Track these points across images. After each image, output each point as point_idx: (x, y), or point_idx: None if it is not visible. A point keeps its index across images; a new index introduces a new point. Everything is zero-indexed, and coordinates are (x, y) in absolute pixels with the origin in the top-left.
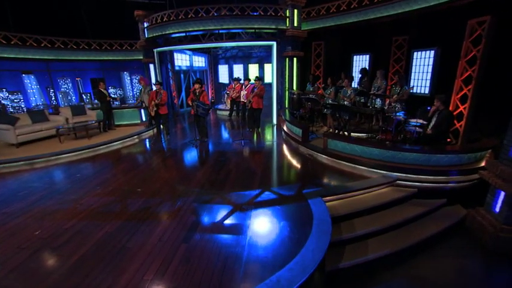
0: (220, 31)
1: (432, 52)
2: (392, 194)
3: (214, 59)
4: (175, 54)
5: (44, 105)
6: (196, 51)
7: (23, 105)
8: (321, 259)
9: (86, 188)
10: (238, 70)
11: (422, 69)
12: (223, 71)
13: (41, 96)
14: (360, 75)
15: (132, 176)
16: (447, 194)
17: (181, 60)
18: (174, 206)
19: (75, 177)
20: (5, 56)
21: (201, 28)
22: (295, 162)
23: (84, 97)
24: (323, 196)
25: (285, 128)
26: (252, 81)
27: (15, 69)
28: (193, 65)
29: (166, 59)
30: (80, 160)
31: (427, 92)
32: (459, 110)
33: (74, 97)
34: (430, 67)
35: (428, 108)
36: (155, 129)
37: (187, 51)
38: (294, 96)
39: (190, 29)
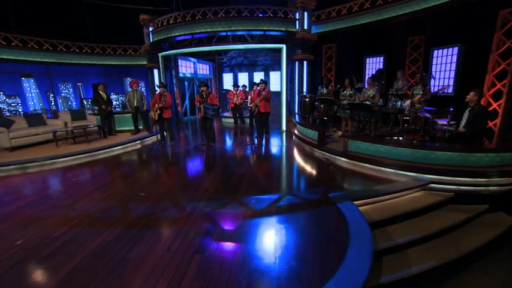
0: (228, 33)
1: (455, 49)
2: (426, 199)
3: (219, 67)
4: (179, 61)
5: (43, 110)
6: (200, 59)
7: (20, 110)
8: (369, 272)
9: (81, 193)
10: (243, 78)
11: (444, 67)
12: (227, 79)
13: (40, 101)
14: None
15: (134, 181)
16: (489, 199)
17: (186, 67)
18: (183, 211)
19: (70, 181)
20: (5, 57)
21: (208, 30)
22: (312, 167)
23: (85, 102)
24: (352, 200)
25: (296, 132)
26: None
27: (14, 71)
28: (198, 73)
29: (171, 65)
30: (77, 165)
31: (450, 91)
32: (492, 108)
33: (74, 102)
34: (454, 65)
35: (451, 109)
36: (159, 135)
37: (192, 59)
38: (306, 99)
39: (197, 31)
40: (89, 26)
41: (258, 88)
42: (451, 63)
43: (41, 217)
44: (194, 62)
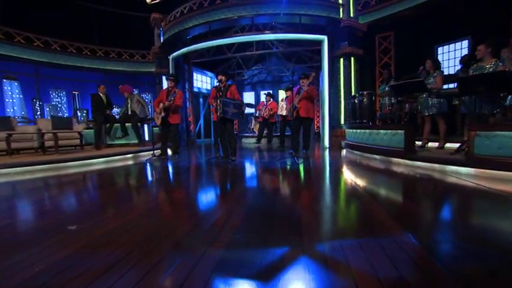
0: (254, 20)
1: None
2: None
3: (239, 84)
4: (194, 74)
5: (25, 119)
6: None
7: None
8: None
9: None
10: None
11: None
12: (248, 98)
13: (22, 108)
14: (460, 66)
15: (74, 204)
16: None
17: (202, 82)
18: (158, 271)
19: None
20: None
21: (230, 16)
22: (405, 190)
23: (79, 114)
24: None
25: (348, 142)
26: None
27: None
28: None
29: (184, 77)
30: (26, 180)
31: None
32: None
33: (66, 113)
34: None
35: None
36: (158, 151)
37: (209, 73)
38: (363, 100)
39: (215, 19)
40: (94, 31)
41: (298, 86)
42: None
43: None
44: (211, 77)
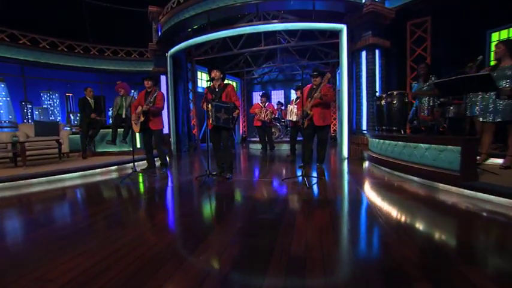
0: (259, 7)
1: None
2: None
3: (248, 84)
4: (199, 73)
5: (12, 123)
6: (227, 74)
7: None
8: None
9: None
10: (278, 97)
11: None
12: (258, 99)
13: (9, 112)
14: None
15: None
16: None
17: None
18: None
19: None
20: None
21: (231, 4)
22: (478, 244)
23: (72, 117)
24: None
25: (370, 153)
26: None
27: None
28: None
29: (186, 76)
30: None
31: None
32: None
33: (59, 117)
34: None
35: None
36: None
37: None
38: (392, 102)
39: (214, 8)
40: (87, 28)
41: (310, 85)
42: None
43: None
44: None
